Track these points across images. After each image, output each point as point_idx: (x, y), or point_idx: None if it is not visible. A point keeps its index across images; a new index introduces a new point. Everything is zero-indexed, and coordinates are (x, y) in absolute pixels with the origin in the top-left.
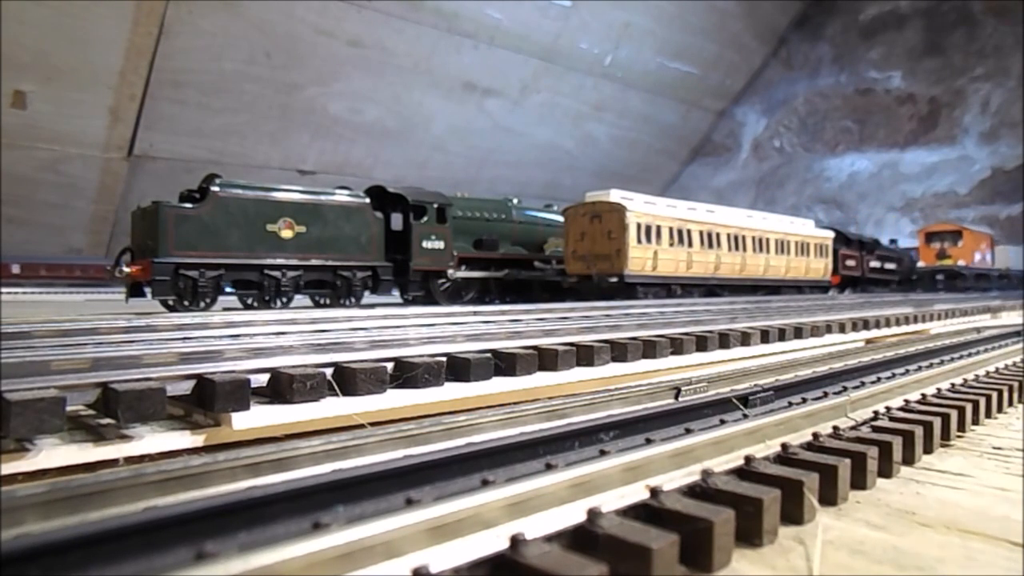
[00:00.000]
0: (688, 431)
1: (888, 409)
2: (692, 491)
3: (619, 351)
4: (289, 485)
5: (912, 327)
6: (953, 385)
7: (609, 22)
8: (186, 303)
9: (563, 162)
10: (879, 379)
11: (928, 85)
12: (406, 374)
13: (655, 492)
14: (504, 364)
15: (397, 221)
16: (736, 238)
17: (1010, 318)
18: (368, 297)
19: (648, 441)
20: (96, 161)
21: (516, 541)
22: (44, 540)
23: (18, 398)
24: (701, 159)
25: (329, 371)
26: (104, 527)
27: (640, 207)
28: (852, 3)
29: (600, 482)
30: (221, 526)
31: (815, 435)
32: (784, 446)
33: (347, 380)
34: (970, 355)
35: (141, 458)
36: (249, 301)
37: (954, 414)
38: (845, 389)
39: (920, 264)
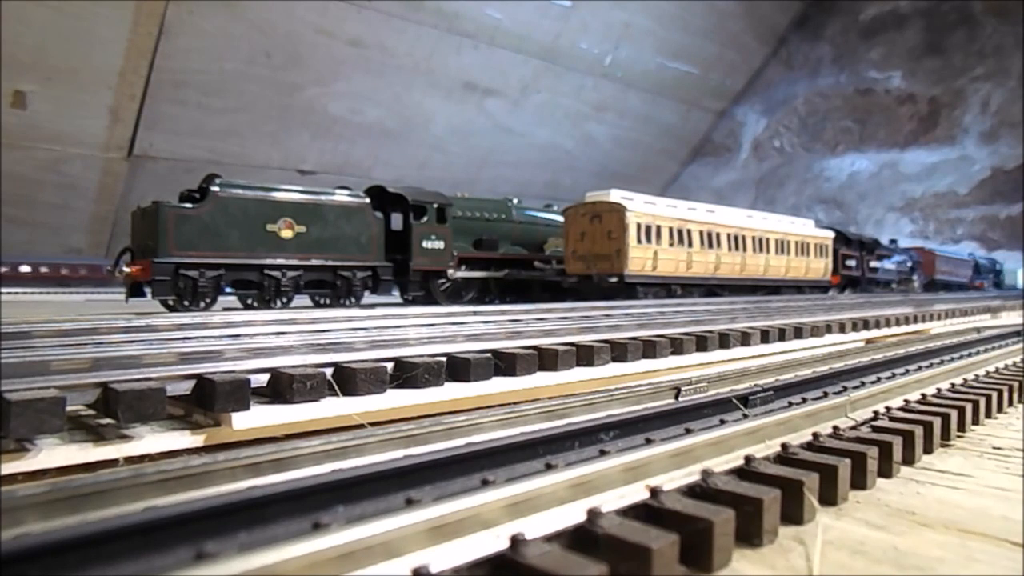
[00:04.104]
0: (688, 431)
1: (888, 409)
2: (692, 491)
3: (619, 351)
4: (289, 485)
5: (912, 327)
6: (953, 385)
7: (609, 22)
8: (186, 303)
9: (563, 162)
10: (879, 379)
11: (928, 85)
12: (406, 374)
13: (655, 492)
14: (504, 364)
15: (397, 221)
16: (736, 238)
17: (1010, 318)
18: (368, 297)
19: (648, 441)
20: (96, 161)
21: (516, 541)
22: (44, 540)
23: (18, 398)
24: (701, 159)
25: (329, 371)
26: (104, 527)
27: (640, 207)
28: (852, 3)
29: (600, 482)
30: (221, 526)
31: (815, 435)
32: (784, 446)
33: (347, 380)
34: (970, 355)
35: (141, 458)
36: (249, 301)
37: (954, 414)
38: (845, 389)
39: None
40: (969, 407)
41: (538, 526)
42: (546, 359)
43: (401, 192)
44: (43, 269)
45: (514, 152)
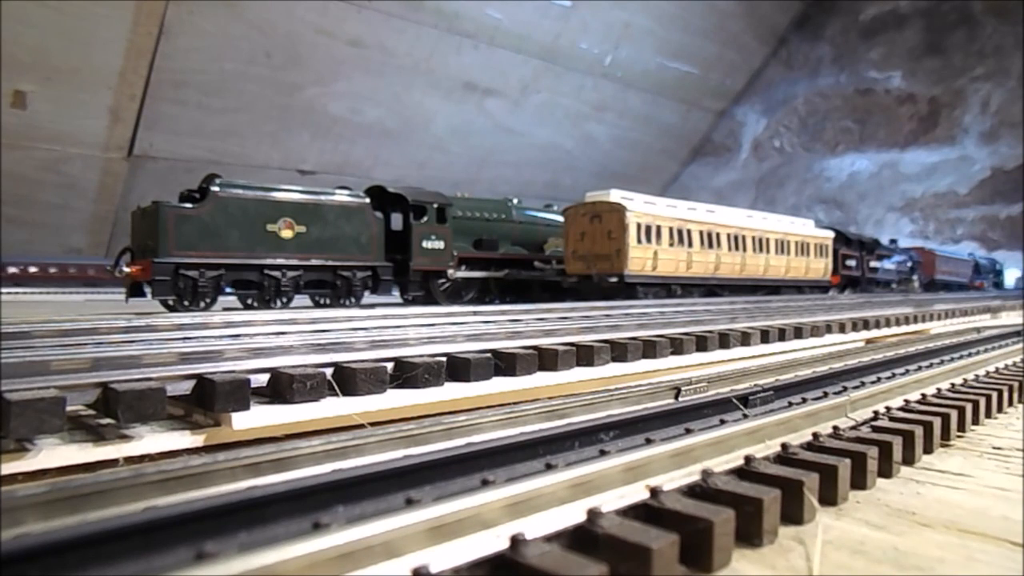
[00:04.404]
0: (688, 431)
1: (888, 409)
2: (692, 491)
3: (619, 351)
4: (289, 485)
5: (912, 327)
6: (953, 385)
7: (609, 22)
8: (186, 303)
9: (563, 162)
10: (879, 379)
11: (928, 85)
12: (406, 374)
13: (655, 492)
14: (504, 364)
15: (397, 221)
16: (736, 238)
17: (1010, 318)
18: (368, 297)
19: (648, 441)
20: (96, 161)
21: (516, 541)
22: (44, 540)
23: (18, 398)
24: (701, 159)
25: (329, 371)
26: (104, 527)
27: (640, 207)
28: (852, 3)
29: (600, 482)
30: (221, 526)
31: (815, 435)
32: (784, 446)
33: (347, 380)
34: (970, 355)
35: (141, 458)
36: (249, 301)
37: (954, 414)
38: (845, 389)
39: None
40: (969, 407)
41: (538, 526)
42: (546, 359)
43: (401, 192)
44: (71, 270)
45: (514, 152)
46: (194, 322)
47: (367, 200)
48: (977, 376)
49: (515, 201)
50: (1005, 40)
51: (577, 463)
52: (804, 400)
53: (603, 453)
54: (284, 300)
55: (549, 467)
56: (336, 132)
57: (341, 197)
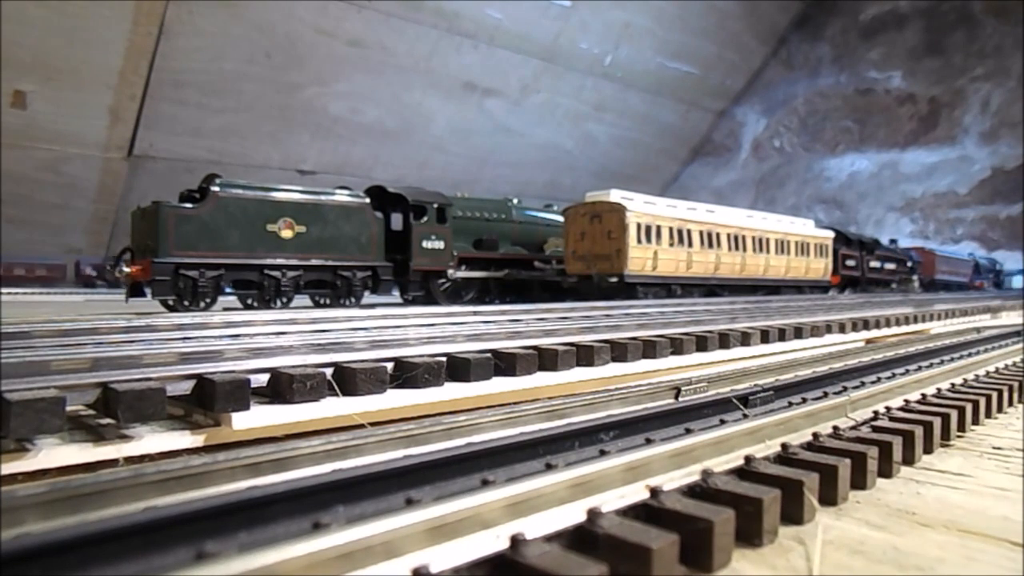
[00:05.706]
0: (688, 431)
1: (888, 409)
2: (692, 491)
3: (619, 351)
4: (289, 485)
5: (912, 327)
6: (953, 385)
7: (609, 22)
8: (186, 303)
9: (563, 162)
10: (879, 379)
11: (928, 85)
12: (406, 374)
13: (655, 492)
14: (504, 364)
15: (397, 221)
16: (736, 238)
17: (1010, 318)
18: (368, 297)
19: (648, 441)
20: (96, 161)
21: (516, 541)
22: (44, 540)
23: (18, 398)
24: (701, 159)
25: (329, 371)
26: (104, 527)
27: (640, 207)
28: (852, 3)
29: (600, 482)
30: (221, 526)
31: (815, 435)
32: (784, 446)
33: (347, 380)
34: (970, 355)
35: (141, 458)
36: (249, 301)
37: (954, 414)
38: (845, 389)
39: None
40: (969, 407)
41: (538, 526)
42: (546, 359)
43: (401, 192)
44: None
45: (514, 152)
46: (194, 322)
47: (367, 200)
48: (977, 376)
49: (515, 201)
50: (1005, 40)
51: (577, 463)
52: (804, 400)
53: (603, 453)
54: (284, 300)
55: (549, 467)
56: (336, 132)
57: (341, 197)
